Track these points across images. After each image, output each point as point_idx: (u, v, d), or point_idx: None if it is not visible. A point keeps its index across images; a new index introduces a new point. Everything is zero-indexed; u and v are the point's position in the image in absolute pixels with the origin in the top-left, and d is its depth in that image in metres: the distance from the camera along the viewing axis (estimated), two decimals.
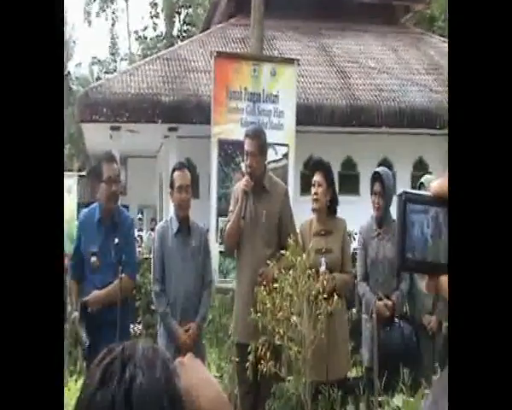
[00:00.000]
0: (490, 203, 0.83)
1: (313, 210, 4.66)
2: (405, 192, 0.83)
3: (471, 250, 0.83)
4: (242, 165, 7.37)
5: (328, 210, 4.67)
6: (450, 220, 0.84)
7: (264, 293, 3.79)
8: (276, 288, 3.83)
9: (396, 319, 4.62)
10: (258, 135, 4.66)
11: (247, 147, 4.54)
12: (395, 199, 0.88)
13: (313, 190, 4.60)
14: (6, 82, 1.23)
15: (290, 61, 8.45)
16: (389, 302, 4.61)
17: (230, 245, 4.57)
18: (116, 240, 4.23)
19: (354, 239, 5.05)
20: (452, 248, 0.84)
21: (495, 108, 0.84)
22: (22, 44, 1.25)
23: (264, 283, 3.99)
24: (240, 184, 4.61)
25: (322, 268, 4.40)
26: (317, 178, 4.61)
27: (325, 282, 4.27)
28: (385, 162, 13.49)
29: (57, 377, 1.26)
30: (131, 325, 4.60)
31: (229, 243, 4.55)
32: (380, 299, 4.60)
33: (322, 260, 4.42)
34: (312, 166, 4.82)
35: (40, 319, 1.24)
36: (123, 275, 4.26)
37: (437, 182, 0.84)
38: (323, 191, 4.60)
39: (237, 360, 4.31)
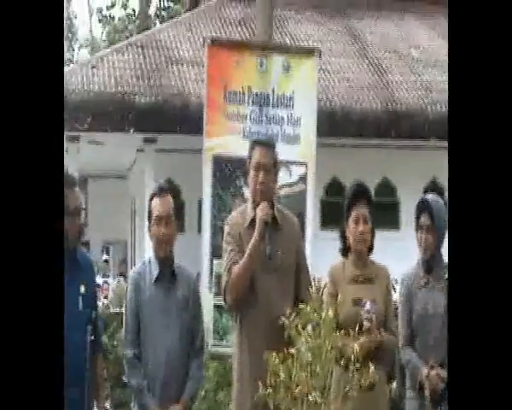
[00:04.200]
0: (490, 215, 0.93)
1: (350, 251, 4.69)
2: None
3: (471, 256, 0.92)
4: (245, 190, 7.42)
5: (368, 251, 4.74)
6: (450, 221, 0.93)
7: (277, 361, 3.79)
8: (292, 354, 3.84)
9: None
10: (272, 145, 4.73)
11: (258, 158, 4.55)
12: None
13: (357, 227, 4.62)
14: (6, 82, 1.39)
15: (309, 52, 8.56)
16: (443, 373, 4.62)
17: (238, 297, 4.50)
18: (82, 288, 4.31)
19: (394, 290, 5.08)
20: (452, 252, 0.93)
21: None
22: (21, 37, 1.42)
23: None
24: (236, 214, 4.66)
25: (367, 324, 4.43)
26: (362, 210, 4.66)
27: (370, 343, 4.33)
28: (434, 186, 13.51)
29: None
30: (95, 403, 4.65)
31: (237, 293, 4.48)
32: (431, 368, 4.62)
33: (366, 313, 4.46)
34: (355, 192, 4.82)
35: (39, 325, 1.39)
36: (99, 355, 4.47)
37: None
38: (371, 229, 4.69)
39: None
